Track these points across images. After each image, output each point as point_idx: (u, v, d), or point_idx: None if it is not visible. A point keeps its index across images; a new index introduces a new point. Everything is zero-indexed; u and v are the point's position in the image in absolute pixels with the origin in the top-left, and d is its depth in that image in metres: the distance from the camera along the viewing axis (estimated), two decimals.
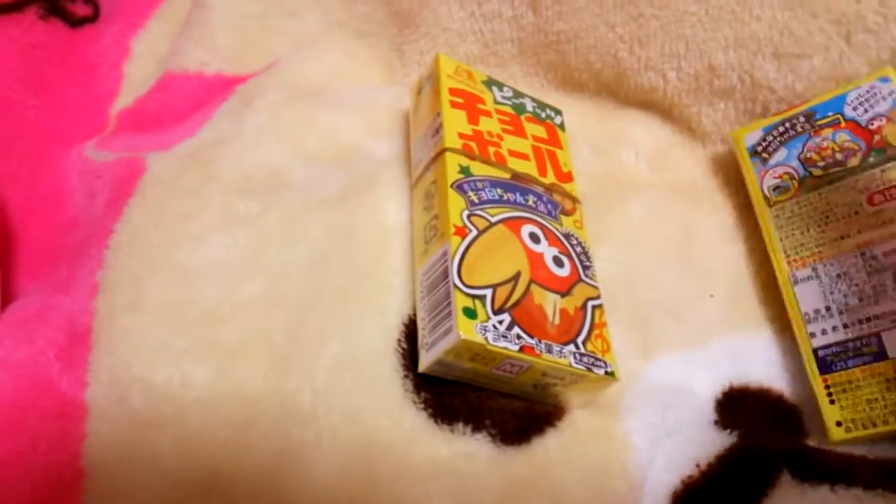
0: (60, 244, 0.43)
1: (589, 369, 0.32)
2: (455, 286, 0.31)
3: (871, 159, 0.37)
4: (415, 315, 0.35)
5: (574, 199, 0.39)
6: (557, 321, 0.33)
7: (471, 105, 0.39)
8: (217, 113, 0.45)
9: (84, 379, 0.33)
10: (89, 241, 0.39)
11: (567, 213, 0.38)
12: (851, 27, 0.41)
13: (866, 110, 0.38)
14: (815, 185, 0.38)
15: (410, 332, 0.34)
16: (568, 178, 0.40)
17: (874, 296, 0.35)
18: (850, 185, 0.37)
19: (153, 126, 0.47)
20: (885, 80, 0.38)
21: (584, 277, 0.35)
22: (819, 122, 0.39)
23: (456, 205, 0.34)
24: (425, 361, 0.32)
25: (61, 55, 0.50)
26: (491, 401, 0.33)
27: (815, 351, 0.36)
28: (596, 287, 0.36)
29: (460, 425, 0.32)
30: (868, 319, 0.35)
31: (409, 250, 0.37)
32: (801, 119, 0.40)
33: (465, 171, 0.36)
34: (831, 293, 0.36)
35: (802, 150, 0.39)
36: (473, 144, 0.37)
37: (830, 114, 0.39)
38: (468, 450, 0.32)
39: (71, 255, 0.40)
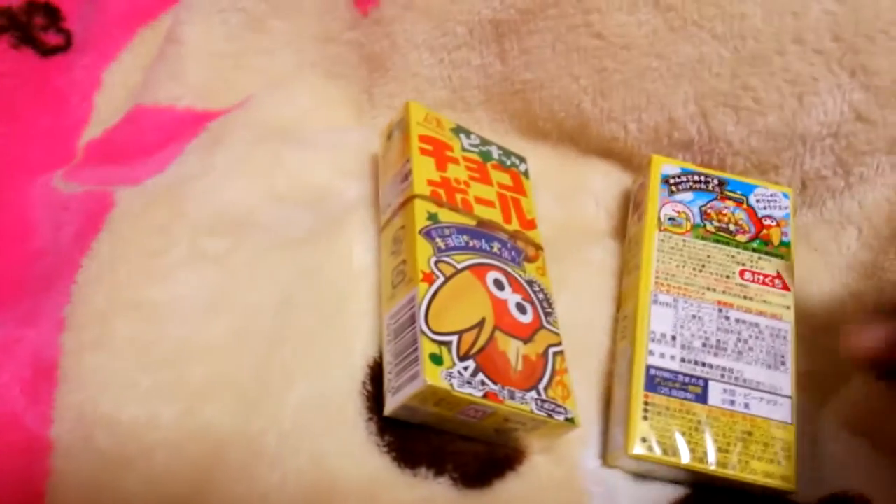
0: (25, 275, 0.42)
1: (550, 415, 0.33)
2: (422, 332, 0.32)
3: (755, 245, 0.41)
4: (380, 357, 0.36)
5: (537, 247, 0.40)
6: (520, 367, 0.34)
7: (439, 152, 0.40)
8: (187, 149, 0.45)
9: (49, 415, 0.33)
10: (56, 274, 0.39)
11: (530, 260, 0.39)
12: (805, 88, 0.43)
13: (764, 208, 0.42)
14: (704, 236, 0.41)
15: (375, 374, 0.35)
16: (532, 225, 0.41)
17: (715, 348, 0.38)
18: (731, 254, 0.41)
19: (122, 158, 0.47)
20: (786, 195, 0.43)
21: (545, 324, 0.37)
22: (728, 193, 0.43)
23: (424, 251, 0.35)
24: (391, 405, 0.33)
25: (32, 84, 0.50)
26: (453, 444, 0.34)
27: (647, 367, 0.37)
28: (557, 333, 0.37)
29: (423, 469, 0.33)
30: (703, 364, 0.37)
31: (374, 293, 0.38)
32: (716, 182, 0.43)
33: (433, 217, 0.37)
34: (681, 327, 0.38)
35: (706, 204, 0.42)
36: (441, 191, 0.38)
37: (738, 192, 0.43)
38: (431, 494, 0.33)
39: (37, 287, 0.39)
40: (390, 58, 0.49)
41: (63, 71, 0.51)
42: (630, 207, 0.45)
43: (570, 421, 0.34)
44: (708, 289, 0.39)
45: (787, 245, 0.42)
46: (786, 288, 0.40)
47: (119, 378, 0.34)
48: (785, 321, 0.39)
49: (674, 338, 0.38)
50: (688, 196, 0.42)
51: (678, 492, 0.36)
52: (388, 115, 0.49)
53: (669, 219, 0.41)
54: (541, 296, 0.38)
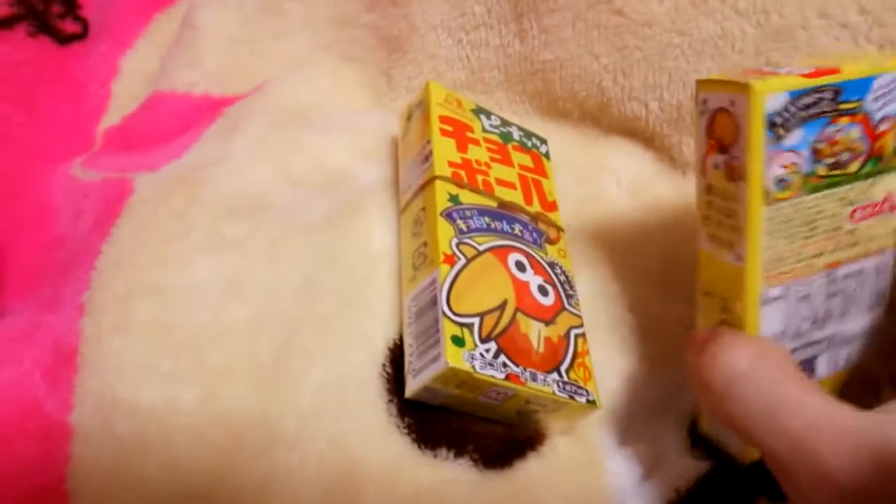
0: (47, 262, 0.43)
1: (571, 397, 0.33)
2: (444, 314, 0.32)
3: (867, 168, 0.31)
4: (399, 340, 0.35)
5: (558, 228, 0.40)
6: (542, 349, 0.33)
7: (460, 133, 0.39)
8: (205, 135, 0.46)
9: (70, 401, 0.33)
10: (76, 261, 0.39)
11: (552, 242, 0.39)
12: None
13: (882, 105, 0.31)
14: (815, 186, 0.30)
15: (395, 356, 0.35)
16: (553, 207, 0.41)
17: (823, 319, 0.32)
18: (841, 195, 0.31)
19: (140, 145, 0.48)
20: None
21: (567, 306, 0.36)
22: (842, 106, 0.30)
23: (445, 233, 0.35)
24: (412, 387, 0.33)
25: (50, 73, 0.50)
26: (473, 426, 0.34)
27: None
28: (579, 316, 0.36)
29: (443, 450, 0.33)
30: (811, 344, 0.32)
31: (394, 275, 0.38)
32: (829, 95, 0.30)
33: (454, 199, 0.36)
34: (792, 316, 0.32)
35: (818, 137, 0.30)
36: (462, 173, 0.38)
37: (854, 98, 0.30)
38: (451, 475, 0.32)
39: (57, 274, 0.40)
40: (408, 39, 0.48)
41: (80, 59, 0.51)
42: (696, 142, 0.33)
43: (592, 403, 0.34)
44: (817, 255, 0.31)
45: None
46: (893, 208, 0.32)
47: (138, 362, 0.34)
48: (889, 249, 0.32)
49: (783, 332, 0.32)
50: (798, 136, 0.30)
51: (700, 468, 0.36)
52: (406, 98, 0.49)
53: (778, 182, 0.30)
54: (562, 278, 0.37)
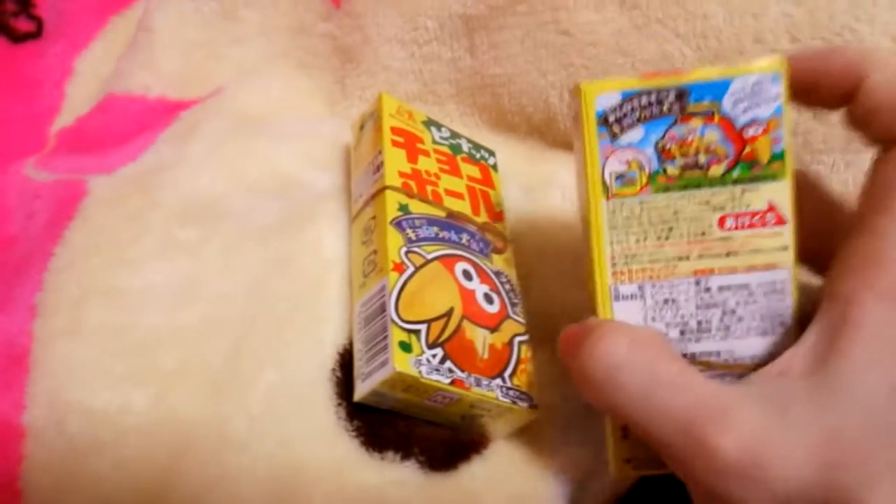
0: None
1: (514, 403, 0.34)
2: (392, 320, 0.33)
3: (735, 173, 0.30)
4: (349, 345, 0.36)
5: (505, 239, 0.41)
6: (486, 356, 0.35)
7: (410, 144, 0.41)
8: (160, 138, 0.46)
9: (22, 402, 0.33)
10: (28, 262, 0.39)
11: (498, 252, 0.40)
12: None
13: (746, 109, 0.30)
14: (666, 186, 0.31)
15: (345, 361, 0.36)
16: (500, 217, 0.42)
17: (697, 332, 0.31)
18: (703, 199, 0.31)
19: (93, 146, 0.48)
20: (776, 77, 0.30)
21: (511, 314, 0.38)
22: (691, 108, 0.30)
23: (394, 241, 0.36)
24: (361, 391, 0.34)
25: (2, 71, 0.50)
26: (420, 429, 0.35)
27: None
28: (523, 324, 0.38)
29: (390, 453, 0.34)
30: (684, 356, 0.31)
31: (345, 281, 0.39)
32: (672, 96, 0.30)
33: (403, 208, 0.37)
34: (653, 319, 0.31)
35: (663, 138, 0.30)
36: (412, 183, 0.39)
37: (707, 100, 0.30)
38: (397, 476, 0.34)
39: (8, 275, 0.40)
40: (362, 50, 0.49)
41: (34, 58, 0.51)
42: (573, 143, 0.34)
43: (534, 408, 0.35)
44: (679, 258, 0.31)
45: (780, 157, 0.30)
46: (780, 221, 0.30)
47: (90, 364, 0.34)
48: (781, 268, 0.31)
49: None
50: (637, 134, 0.30)
51: None
52: (360, 107, 0.50)
53: (618, 177, 0.31)
54: (507, 286, 0.39)
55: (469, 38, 0.48)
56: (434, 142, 0.42)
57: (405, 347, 0.32)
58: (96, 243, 0.39)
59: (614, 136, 0.31)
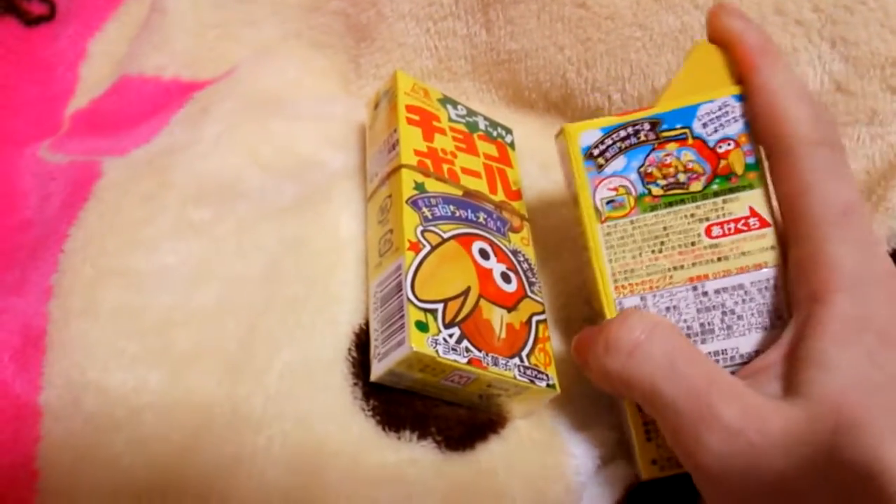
0: (14, 245, 0.43)
1: (532, 381, 0.34)
2: (408, 300, 0.33)
3: (714, 186, 0.34)
4: (365, 325, 0.36)
5: (522, 217, 0.41)
6: (504, 335, 0.35)
7: (426, 122, 0.40)
8: (173, 119, 0.46)
9: (38, 382, 0.33)
10: (43, 244, 0.39)
11: (515, 231, 0.40)
12: (790, 60, 0.43)
13: (716, 129, 0.34)
14: (653, 205, 0.34)
15: (361, 341, 0.36)
16: (517, 195, 0.42)
17: (701, 334, 0.34)
18: (688, 212, 0.34)
19: (108, 128, 0.48)
20: (738, 97, 0.34)
21: (529, 293, 0.37)
22: (664, 134, 0.34)
23: (410, 220, 0.35)
24: (377, 371, 0.34)
25: (16, 54, 0.50)
26: (437, 409, 0.35)
27: None
28: (541, 303, 0.38)
29: (407, 432, 0.34)
30: None
31: (361, 261, 0.38)
32: (646, 126, 0.35)
33: (419, 187, 0.37)
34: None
35: (644, 164, 0.35)
36: (428, 161, 0.38)
37: (678, 126, 0.34)
38: (414, 456, 0.33)
39: (24, 257, 0.40)
40: (376, 27, 0.49)
41: (48, 41, 0.51)
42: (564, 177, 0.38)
43: (552, 387, 0.35)
44: (674, 268, 0.34)
45: (754, 167, 0.34)
46: (764, 224, 0.34)
47: (106, 344, 0.34)
48: (771, 266, 0.33)
49: None
50: (619, 163, 0.35)
51: None
52: (374, 85, 0.49)
53: (608, 203, 0.35)
54: (525, 265, 0.38)
55: (485, 13, 0.48)
56: (450, 119, 0.42)
57: (422, 327, 0.32)
58: (111, 224, 0.39)
59: (600, 168, 0.35)
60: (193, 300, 0.36)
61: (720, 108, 0.34)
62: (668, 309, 0.34)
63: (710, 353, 0.33)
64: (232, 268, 0.38)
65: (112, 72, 0.51)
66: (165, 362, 0.34)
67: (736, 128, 0.34)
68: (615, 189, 0.35)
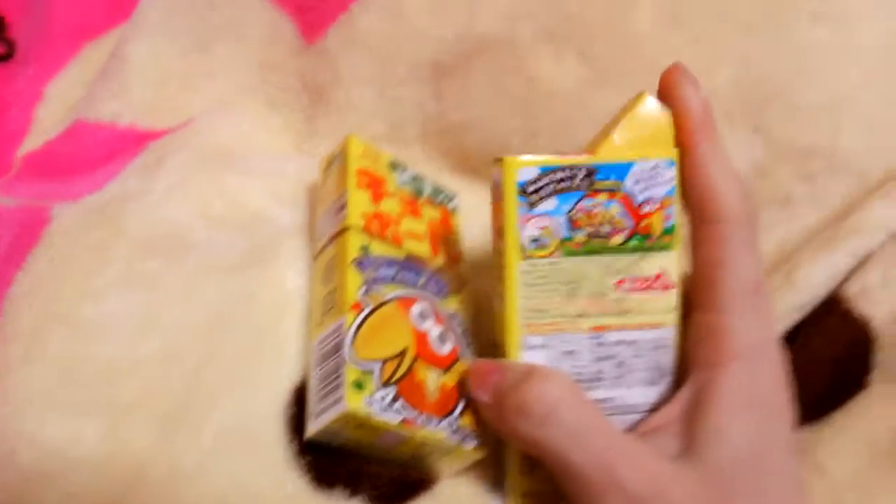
0: None
1: (461, 442, 0.35)
2: (347, 359, 0.34)
3: (633, 243, 0.35)
4: (303, 382, 0.37)
5: (461, 281, 0.42)
6: (437, 396, 0.36)
7: (375, 186, 0.42)
8: (128, 168, 0.46)
9: None
10: None
11: (454, 293, 0.41)
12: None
13: (644, 188, 0.35)
14: (573, 251, 0.35)
15: (299, 397, 0.36)
16: (457, 259, 0.43)
17: (592, 381, 0.35)
18: (605, 264, 0.35)
19: (60, 172, 0.48)
20: (671, 163, 0.35)
21: (462, 356, 0.39)
22: (598, 184, 0.35)
23: (354, 281, 0.37)
24: (312, 429, 0.35)
25: None
26: (370, 466, 0.36)
27: None
28: None
29: (340, 488, 0.35)
30: None
31: (303, 318, 0.39)
32: (583, 173, 0.35)
33: (364, 249, 0.38)
34: (556, 368, 0.35)
35: (573, 209, 0.35)
36: (374, 224, 0.40)
37: (612, 178, 0.35)
38: None
39: None
40: (332, 90, 0.50)
41: (4, 80, 0.51)
42: (491, 206, 0.38)
43: (479, 448, 0.36)
44: (580, 315, 0.35)
45: (670, 231, 0.35)
46: (668, 286, 0.35)
47: (45, 393, 0.34)
48: (667, 326, 0.35)
49: None
50: (551, 204, 0.35)
51: None
52: (327, 144, 0.50)
53: (533, 240, 0.35)
54: (460, 328, 0.40)
55: (437, 83, 0.50)
56: (398, 184, 0.43)
57: (358, 386, 0.33)
58: (59, 272, 0.39)
59: (532, 205, 0.35)
60: (137, 351, 0.36)
61: (652, 169, 0.35)
62: (567, 353, 0.35)
63: (598, 398, 0.35)
64: (177, 319, 0.38)
65: (68, 116, 0.51)
66: (105, 413, 0.34)
67: (662, 191, 0.35)
68: (542, 228, 0.35)
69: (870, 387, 0.40)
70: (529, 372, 0.33)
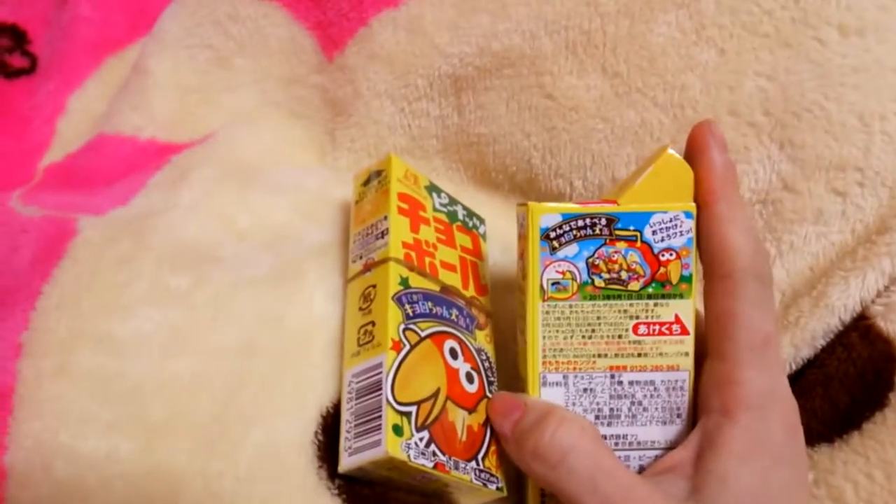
0: None
1: (484, 485, 0.36)
2: (388, 402, 0.34)
3: (650, 290, 0.37)
4: (332, 407, 0.37)
5: (487, 313, 0.42)
6: (464, 438, 0.36)
7: (414, 212, 0.41)
8: (151, 182, 0.47)
9: (3, 442, 0.34)
10: (11, 298, 0.39)
11: (481, 328, 0.41)
12: (738, 156, 0.45)
13: (662, 239, 0.37)
14: (592, 294, 0.37)
15: (328, 423, 0.37)
16: (485, 290, 0.43)
17: (609, 417, 0.37)
18: (622, 308, 0.37)
19: (82, 184, 0.48)
20: (689, 214, 0.36)
21: (488, 394, 0.39)
22: (618, 232, 0.37)
23: (394, 318, 0.37)
24: (347, 464, 0.35)
25: None
26: (395, 493, 0.37)
27: None
28: None
29: None
30: None
31: (332, 343, 0.40)
32: (603, 221, 0.37)
33: (404, 282, 0.38)
34: (573, 404, 0.37)
35: (593, 255, 0.37)
36: (413, 254, 0.39)
37: (631, 228, 0.37)
38: None
39: None
40: (353, 104, 0.51)
41: (27, 94, 0.52)
42: (517, 246, 0.40)
43: (500, 489, 0.37)
44: (599, 355, 0.37)
45: (687, 280, 0.37)
46: (684, 332, 0.37)
47: (79, 409, 0.35)
48: (682, 370, 0.37)
49: None
50: (572, 250, 0.37)
51: None
52: (348, 158, 0.51)
53: (553, 284, 0.37)
54: (486, 364, 0.40)
55: (457, 97, 0.50)
56: (434, 209, 0.43)
57: (397, 431, 0.33)
58: (87, 286, 0.39)
59: (553, 250, 0.37)
60: (167, 370, 0.37)
61: (671, 220, 0.37)
62: (585, 390, 0.37)
63: (612, 435, 0.37)
64: (207, 340, 0.38)
65: (89, 128, 0.51)
66: (138, 431, 0.35)
67: (680, 241, 0.37)
68: (562, 273, 0.37)
69: (891, 405, 0.40)
70: (547, 414, 0.34)
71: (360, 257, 0.41)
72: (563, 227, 0.37)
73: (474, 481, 0.35)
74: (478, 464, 0.36)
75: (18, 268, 0.41)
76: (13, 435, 0.34)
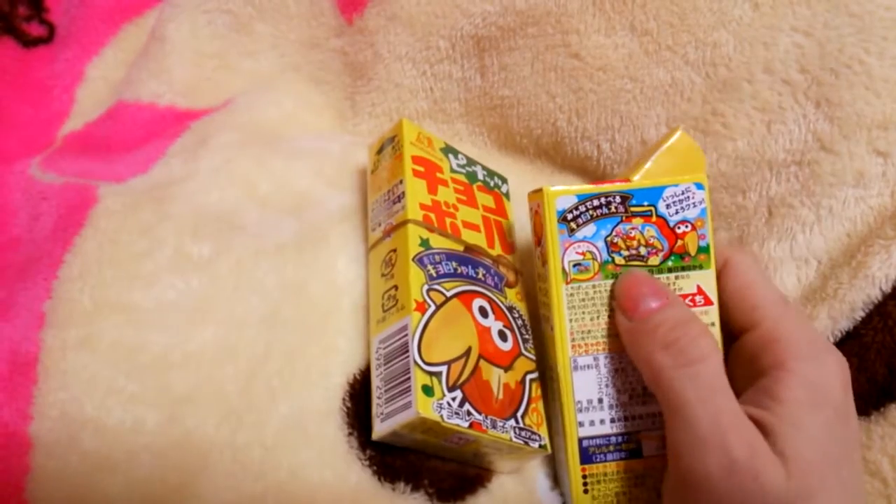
0: (2, 263, 0.42)
1: (525, 443, 0.35)
2: (415, 363, 0.33)
3: (670, 263, 0.37)
4: (359, 374, 0.37)
5: (517, 271, 0.42)
6: (501, 396, 0.36)
7: (430, 174, 0.41)
8: (170, 150, 0.46)
9: (28, 412, 0.33)
10: (34, 266, 0.39)
11: (510, 286, 0.41)
12: (772, 116, 0.44)
13: (677, 212, 0.37)
14: (614, 272, 0.37)
15: (355, 391, 0.36)
16: (512, 248, 0.43)
17: (643, 395, 0.36)
18: None
19: (102, 152, 0.48)
20: (700, 186, 0.37)
21: (523, 351, 0.38)
22: (633, 209, 0.37)
23: (417, 279, 0.36)
24: (380, 431, 0.34)
25: (12, 74, 0.50)
26: (428, 461, 0.36)
27: (580, 440, 0.36)
28: (533, 360, 0.39)
29: (401, 484, 0.35)
30: (633, 417, 0.36)
31: (357, 309, 0.39)
32: (618, 199, 0.37)
33: (424, 243, 0.38)
34: (607, 386, 0.36)
35: (611, 233, 0.37)
36: (433, 216, 0.39)
37: (645, 203, 0.37)
38: None
39: (11, 277, 0.39)
40: (373, 67, 0.50)
41: (45, 62, 0.51)
42: (532, 236, 0.40)
43: (543, 447, 0.36)
44: None
45: (705, 250, 0.37)
46: (708, 302, 0.37)
47: (105, 381, 0.34)
48: None
49: (601, 400, 0.36)
50: (590, 230, 0.37)
51: None
52: (369, 123, 0.50)
53: (575, 265, 0.37)
54: (519, 322, 0.39)
55: (480, 58, 0.49)
56: (452, 170, 0.42)
57: (427, 391, 0.33)
58: (109, 255, 0.39)
59: (571, 231, 0.37)
60: (192, 340, 0.36)
61: (683, 193, 0.37)
62: (616, 370, 0.36)
63: (649, 414, 0.36)
64: (231, 310, 0.38)
65: (108, 96, 0.51)
66: (163, 403, 0.34)
67: (695, 212, 0.37)
68: (583, 254, 0.37)
69: None
70: (693, 316, 0.34)
71: (380, 224, 0.40)
72: (580, 207, 0.37)
73: (514, 440, 0.35)
74: (517, 421, 0.35)
75: (40, 235, 0.41)
76: (38, 406, 0.34)
